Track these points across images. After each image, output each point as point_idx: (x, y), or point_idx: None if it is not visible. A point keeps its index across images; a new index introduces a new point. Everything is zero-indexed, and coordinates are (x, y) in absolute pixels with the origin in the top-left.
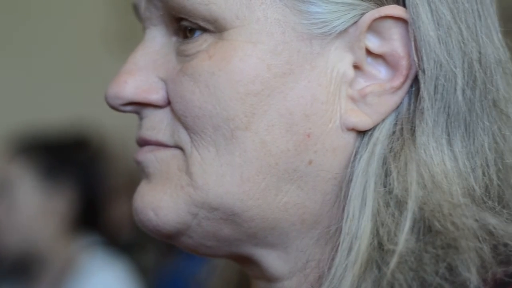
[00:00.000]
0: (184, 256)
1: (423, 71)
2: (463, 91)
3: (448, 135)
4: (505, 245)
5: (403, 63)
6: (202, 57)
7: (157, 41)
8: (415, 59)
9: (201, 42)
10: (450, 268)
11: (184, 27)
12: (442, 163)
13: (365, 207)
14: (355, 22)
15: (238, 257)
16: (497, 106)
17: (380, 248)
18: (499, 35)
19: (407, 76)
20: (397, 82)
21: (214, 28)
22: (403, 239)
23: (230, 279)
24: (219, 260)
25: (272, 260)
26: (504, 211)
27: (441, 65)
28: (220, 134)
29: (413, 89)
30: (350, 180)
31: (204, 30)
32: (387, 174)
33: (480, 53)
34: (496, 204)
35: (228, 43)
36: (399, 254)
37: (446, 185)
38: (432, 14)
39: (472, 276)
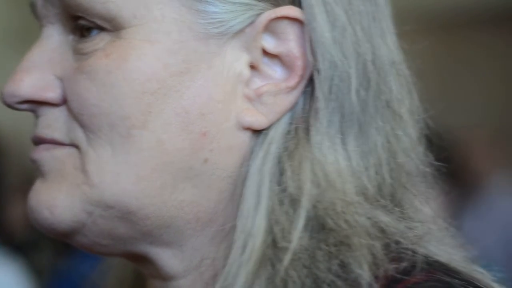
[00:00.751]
0: (79, 255)
1: (318, 72)
2: (357, 91)
3: (342, 134)
4: (397, 242)
5: (299, 63)
6: (99, 56)
7: (54, 39)
8: (311, 59)
9: (98, 40)
10: (343, 265)
11: (81, 25)
12: (336, 162)
13: (260, 205)
14: (252, 22)
15: (133, 256)
16: (390, 106)
17: (274, 246)
18: (393, 37)
19: (302, 76)
20: (293, 82)
21: (111, 26)
22: (297, 236)
23: (124, 278)
24: (114, 259)
25: (167, 258)
26: (396, 209)
27: (335, 66)
28: (116, 132)
29: (309, 89)
30: (245, 179)
31: (101, 28)
32: (281, 172)
33: (374, 54)
34: (388, 202)
35: (125, 42)
36: (293, 251)
37: (340, 184)
38: (328, 15)
39: (364, 273)
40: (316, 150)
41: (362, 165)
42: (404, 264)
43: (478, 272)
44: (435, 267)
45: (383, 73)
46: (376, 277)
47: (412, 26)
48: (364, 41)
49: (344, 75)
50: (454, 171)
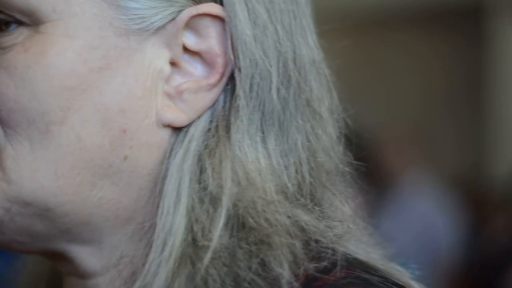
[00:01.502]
0: None
1: (239, 69)
2: (278, 90)
3: (263, 133)
4: (317, 241)
5: (219, 60)
6: (17, 50)
7: None
8: (232, 57)
9: (17, 35)
10: (263, 264)
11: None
12: (256, 160)
13: (180, 203)
14: (173, 19)
15: (51, 253)
16: (311, 105)
17: (194, 244)
18: (314, 36)
19: (223, 74)
20: (213, 79)
21: (31, 21)
22: (217, 235)
23: (40, 276)
24: (31, 256)
25: (85, 256)
26: (316, 208)
27: (256, 64)
28: (35, 128)
29: (229, 87)
30: (165, 176)
31: (20, 23)
32: (202, 170)
33: (295, 53)
34: (308, 201)
35: (45, 36)
36: (213, 250)
37: (260, 182)
38: (249, 13)
39: (284, 271)
40: (236, 149)
41: (282, 163)
42: (324, 263)
43: (396, 270)
44: (354, 265)
45: (303, 72)
46: (296, 276)
47: (332, 25)
48: (285, 40)
49: (265, 73)
50: (372, 170)
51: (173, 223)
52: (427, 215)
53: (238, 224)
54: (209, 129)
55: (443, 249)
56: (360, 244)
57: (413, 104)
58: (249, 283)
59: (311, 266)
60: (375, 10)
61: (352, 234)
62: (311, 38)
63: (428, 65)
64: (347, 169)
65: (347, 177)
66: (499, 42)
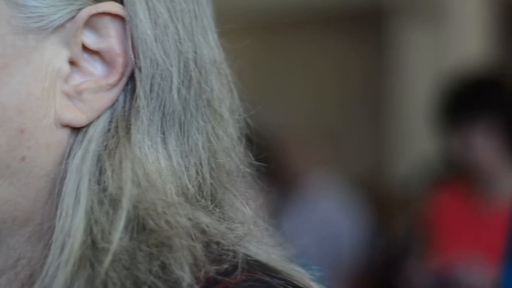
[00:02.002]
0: None
1: (140, 70)
2: (179, 90)
3: (163, 133)
4: (218, 243)
5: (119, 60)
6: None
7: None
8: (132, 57)
9: None
10: (164, 267)
11: None
12: (157, 161)
13: (79, 205)
14: (73, 18)
15: None
16: (211, 105)
17: (94, 247)
18: (215, 35)
19: (123, 74)
20: (113, 79)
21: None
22: (117, 237)
23: None
24: None
25: None
26: (217, 210)
27: (157, 64)
28: None
29: (130, 87)
30: (64, 177)
31: None
32: (101, 172)
33: (196, 53)
34: (209, 203)
35: None
36: (113, 252)
37: (161, 184)
38: (150, 12)
39: (185, 274)
40: (136, 149)
41: (182, 164)
42: (225, 265)
43: (297, 271)
44: (255, 267)
45: (204, 72)
46: (196, 278)
47: (234, 25)
48: (186, 40)
49: (166, 73)
50: (274, 171)
51: (72, 225)
52: (331, 216)
53: (139, 226)
54: (108, 130)
55: (346, 249)
56: (262, 246)
57: (315, 105)
58: (149, 286)
59: (212, 268)
60: (280, 10)
61: (253, 236)
62: (212, 38)
63: (327, 67)
64: (248, 169)
65: (249, 178)
66: (398, 45)
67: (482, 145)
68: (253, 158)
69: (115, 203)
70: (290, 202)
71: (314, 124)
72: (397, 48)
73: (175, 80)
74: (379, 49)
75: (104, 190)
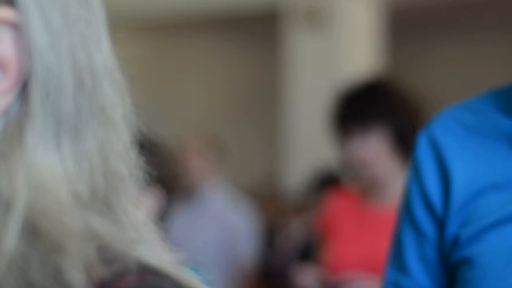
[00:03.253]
0: None
1: (34, 76)
2: (73, 97)
3: (58, 139)
4: (110, 246)
5: (13, 66)
6: None
7: None
8: (26, 63)
9: None
10: (57, 269)
11: None
12: (51, 166)
13: None
14: None
15: None
16: (105, 112)
17: None
18: (108, 42)
19: (16, 80)
20: (6, 85)
21: None
22: (11, 241)
23: None
24: None
25: None
26: (110, 213)
27: (51, 71)
28: None
29: (24, 93)
30: None
31: None
32: None
33: (89, 60)
34: (102, 206)
35: None
36: (8, 256)
37: (55, 188)
38: (44, 19)
39: (77, 277)
40: (31, 154)
41: (77, 169)
42: (116, 268)
43: (187, 274)
44: (146, 270)
45: (98, 79)
46: (89, 281)
47: (127, 32)
48: (80, 47)
49: (60, 80)
50: (166, 175)
51: None
52: (225, 222)
53: (33, 230)
54: (3, 135)
55: (243, 253)
56: (153, 249)
57: (206, 112)
58: None
59: (104, 271)
60: (172, 15)
61: (145, 240)
62: (105, 44)
63: (220, 73)
64: (140, 174)
65: (141, 182)
66: (290, 50)
67: (373, 151)
68: (146, 164)
69: (9, 207)
70: (184, 208)
71: (205, 132)
72: (291, 54)
73: (69, 87)
74: (275, 53)
75: None
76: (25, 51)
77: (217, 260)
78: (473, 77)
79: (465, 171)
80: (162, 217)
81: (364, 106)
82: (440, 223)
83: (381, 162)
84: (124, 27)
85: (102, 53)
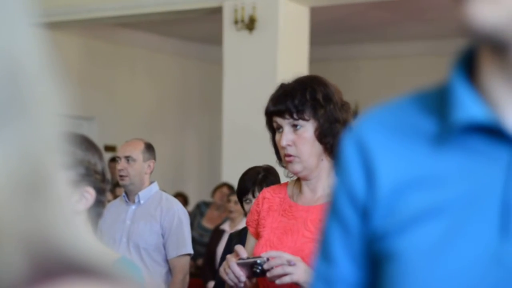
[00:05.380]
0: None
1: None
2: None
3: None
4: (39, 242)
5: None
6: None
7: None
8: None
9: None
10: None
11: None
12: None
13: None
14: None
15: None
16: (29, 105)
17: None
18: (31, 32)
19: None
20: None
21: None
22: None
23: None
24: None
25: None
26: (37, 208)
27: None
28: None
29: None
30: None
31: None
32: None
33: (12, 50)
34: (28, 200)
35: None
36: None
37: None
38: None
39: (7, 275)
40: None
41: (5, 160)
42: (47, 266)
43: (122, 272)
44: (80, 268)
45: (26, 72)
46: (19, 280)
47: (64, 29)
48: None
49: None
50: (99, 174)
51: None
52: (159, 224)
53: None
54: None
55: (175, 255)
56: (86, 246)
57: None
58: None
59: (34, 269)
60: (116, 13)
61: (77, 235)
62: (26, 34)
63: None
64: (73, 172)
65: (73, 180)
66: (231, 48)
67: (302, 145)
68: (79, 161)
69: None
70: (119, 209)
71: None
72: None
73: None
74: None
75: None
76: None
77: (152, 260)
78: (398, 76)
79: (389, 167)
80: (94, 216)
81: (294, 98)
82: (364, 216)
83: (306, 149)
84: (61, 24)
85: (23, 42)
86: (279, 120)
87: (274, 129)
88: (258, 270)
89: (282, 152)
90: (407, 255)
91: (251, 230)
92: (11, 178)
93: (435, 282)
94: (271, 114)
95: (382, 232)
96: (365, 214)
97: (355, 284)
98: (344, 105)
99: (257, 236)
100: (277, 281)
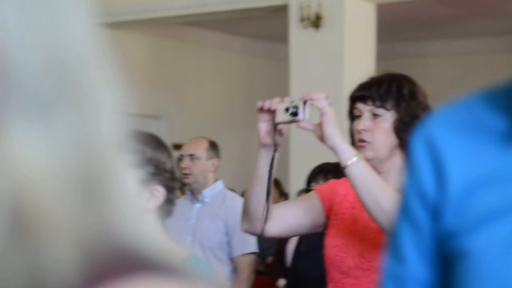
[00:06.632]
0: None
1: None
2: (48, 81)
3: (36, 127)
4: (101, 239)
5: None
6: None
7: None
8: None
9: None
10: (42, 267)
11: None
12: (32, 156)
13: None
14: None
15: None
16: (88, 99)
17: None
18: (89, 26)
19: None
20: None
21: None
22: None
23: None
24: None
25: None
26: (100, 205)
27: (20, 54)
28: None
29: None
30: None
31: None
32: None
33: (63, 42)
34: (90, 197)
35: None
36: None
37: (38, 179)
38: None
39: (67, 273)
40: (8, 145)
41: (58, 157)
42: (110, 263)
43: (190, 269)
44: (144, 265)
45: (76, 63)
46: (80, 277)
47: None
48: (50, 27)
49: (32, 63)
50: (168, 173)
51: None
52: (225, 221)
53: (16, 227)
54: None
55: (239, 254)
56: (153, 243)
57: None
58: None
59: (96, 267)
60: (184, 12)
61: (143, 231)
62: (84, 27)
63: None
64: (142, 170)
65: (142, 178)
66: (298, 47)
67: (378, 133)
68: (148, 160)
69: None
70: (184, 207)
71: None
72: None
73: (43, 70)
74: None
75: None
76: None
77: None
78: (466, 73)
79: (459, 165)
80: (164, 214)
81: (380, 86)
82: (435, 215)
83: (380, 138)
84: (128, 23)
85: (81, 36)
86: (360, 106)
87: (353, 118)
88: (293, 110)
89: (356, 138)
90: (480, 254)
91: (319, 193)
92: (67, 176)
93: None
94: (354, 99)
95: (453, 230)
96: (435, 212)
97: (426, 283)
98: (426, 108)
99: (325, 203)
100: (309, 102)
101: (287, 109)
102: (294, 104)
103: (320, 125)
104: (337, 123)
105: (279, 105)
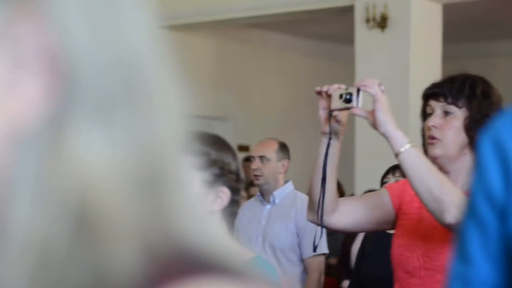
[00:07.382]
0: None
1: (66, 63)
2: (113, 81)
3: (100, 125)
4: (165, 240)
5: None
6: None
7: None
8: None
9: None
10: (107, 266)
11: None
12: (96, 156)
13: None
14: None
15: None
16: (151, 98)
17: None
18: (150, 25)
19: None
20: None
21: None
22: (61, 237)
23: None
24: None
25: None
26: (163, 205)
27: (85, 55)
28: None
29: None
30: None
31: None
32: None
33: (129, 43)
34: (153, 197)
35: None
36: (56, 254)
37: (102, 179)
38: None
39: (131, 273)
40: (73, 146)
41: (123, 158)
42: (172, 265)
43: (255, 272)
44: (208, 267)
45: (139, 63)
46: (143, 277)
47: (198, 29)
48: (113, 25)
49: (97, 63)
50: (234, 174)
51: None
52: (294, 223)
53: (81, 226)
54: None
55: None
56: (217, 244)
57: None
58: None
59: (159, 267)
60: (248, 13)
61: (207, 233)
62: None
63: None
64: (207, 172)
65: (207, 180)
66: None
67: (448, 130)
68: (212, 161)
69: (59, 204)
70: (253, 209)
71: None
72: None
73: (108, 70)
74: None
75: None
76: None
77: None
78: None
79: None
80: (229, 216)
81: (453, 84)
82: (502, 217)
83: (451, 135)
84: (193, 25)
85: (144, 38)
86: (433, 103)
87: (425, 117)
88: (347, 97)
89: (426, 135)
90: None
91: (390, 191)
92: (129, 176)
93: None
94: (427, 97)
95: None
96: (503, 214)
97: (493, 284)
98: (500, 110)
99: (395, 201)
100: (362, 88)
101: (341, 96)
102: (348, 91)
103: (373, 112)
104: (390, 110)
105: (334, 92)
